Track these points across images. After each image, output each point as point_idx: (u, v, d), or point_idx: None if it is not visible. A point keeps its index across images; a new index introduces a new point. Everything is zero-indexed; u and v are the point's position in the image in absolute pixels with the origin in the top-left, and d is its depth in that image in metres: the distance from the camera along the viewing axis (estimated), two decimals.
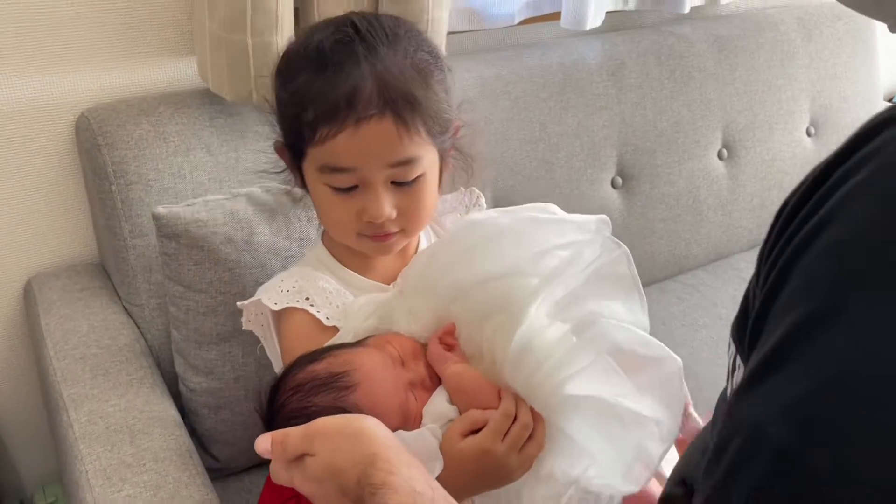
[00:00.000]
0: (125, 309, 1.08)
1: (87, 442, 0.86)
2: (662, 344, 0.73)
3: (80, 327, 1.03)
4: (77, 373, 0.95)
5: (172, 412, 0.92)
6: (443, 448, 0.70)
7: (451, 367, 0.72)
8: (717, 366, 1.30)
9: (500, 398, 0.70)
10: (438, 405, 0.73)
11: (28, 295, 1.14)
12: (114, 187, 1.02)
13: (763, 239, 0.48)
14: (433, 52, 0.78)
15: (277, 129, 0.83)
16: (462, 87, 1.26)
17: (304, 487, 0.63)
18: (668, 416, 0.71)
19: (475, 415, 0.70)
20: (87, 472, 0.83)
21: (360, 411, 0.68)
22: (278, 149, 0.84)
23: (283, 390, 0.74)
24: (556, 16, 1.40)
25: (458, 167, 0.88)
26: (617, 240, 0.77)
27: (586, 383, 0.69)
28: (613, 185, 1.46)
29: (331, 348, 0.76)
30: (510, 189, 1.31)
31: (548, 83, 1.35)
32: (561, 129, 1.37)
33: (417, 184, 0.78)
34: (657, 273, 1.55)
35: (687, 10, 1.52)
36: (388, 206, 0.76)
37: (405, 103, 0.73)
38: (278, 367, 0.90)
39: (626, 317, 0.75)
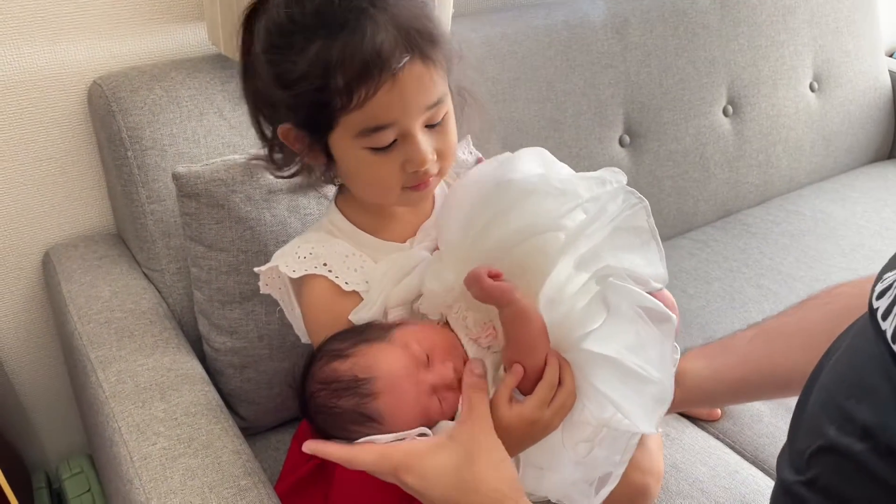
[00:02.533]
0: (145, 275, 1.09)
1: (118, 400, 0.87)
2: (660, 304, 0.73)
3: (102, 293, 1.04)
4: (103, 336, 0.96)
5: (200, 370, 0.94)
6: (493, 421, 0.71)
7: (523, 300, 0.70)
8: (729, 316, 1.32)
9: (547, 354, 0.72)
10: None
11: (47, 266, 1.15)
12: (129, 153, 1.02)
13: None
14: None
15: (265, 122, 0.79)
16: (468, 47, 1.26)
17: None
18: (661, 378, 0.72)
19: (510, 380, 0.72)
20: (119, 428, 0.84)
21: (382, 418, 0.71)
22: (285, 133, 0.78)
23: (313, 380, 0.75)
24: None
25: (455, 102, 0.83)
26: (637, 193, 0.77)
27: (603, 340, 0.71)
28: (621, 143, 1.46)
29: (358, 338, 0.75)
30: (518, 148, 1.31)
31: (553, 42, 1.35)
32: (567, 87, 1.37)
33: (445, 121, 0.77)
34: (667, 230, 1.56)
35: None
36: (430, 150, 0.75)
37: (426, 41, 0.71)
38: (299, 330, 0.91)
39: (646, 269, 0.76)
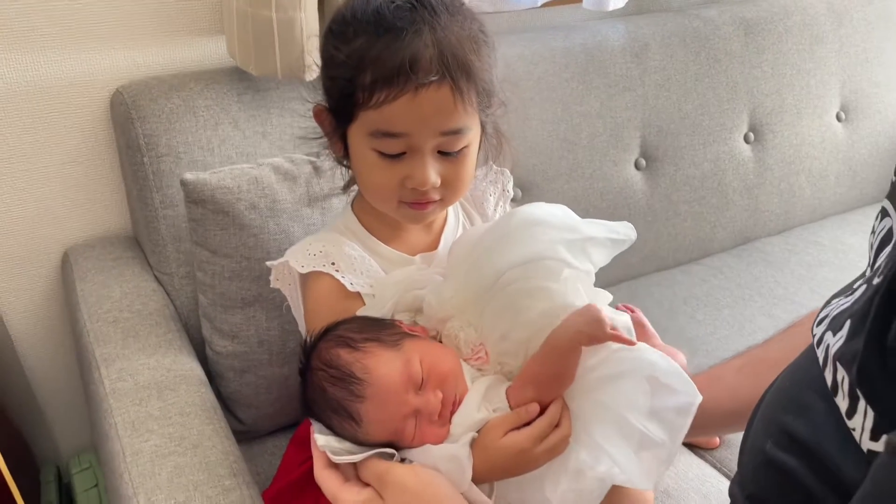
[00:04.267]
0: (156, 277, 1.12)
1: (117, 397, 0.90)
2: (691, 381, 0.72)
3: (113, 293, 1.07)
4: (109, 334, 0.99)
5: (198, 371, 0.96)
6: (483, 440, 0.72)
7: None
8: (736, 344, 1.31)
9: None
10: (469, 415, 0.74)
11: (65, 265, 1.19)
12: (146, 159, 1.06)
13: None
14: (482, 28, 0.79)
15: (316, 94, 0.83)
16: None
17: None
18: (669, 443, 0.72)
19: (523, 415, 0.72)
20: (115, 424, 0.86)
21: (360, 420, 0.72)
22: (317, 113, 0.83)
23: (318, 356, 0.76)
24: None
25: (490, 144, 0.88)
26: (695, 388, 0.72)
27: (616, 394, 0.71)
28: (637, 166, 1.46)
29: (373, 333, 0.76)
30: (531, 168, 1.33)
31: (570, 64, 1.36)
32: (583, 109, 1.38)
33: (461, 154, 0.78)
34: (681, 255, 1.55)
35: None
36: (433, 174, 0.77)
37: (462, 72, 0.73)
38: (303, 327, 0.93)
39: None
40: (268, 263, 0.88)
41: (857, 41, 1.71)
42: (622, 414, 0.70)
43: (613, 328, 0.70)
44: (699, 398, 0.71)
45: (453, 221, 0.93)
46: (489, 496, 0.74)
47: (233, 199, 0.96)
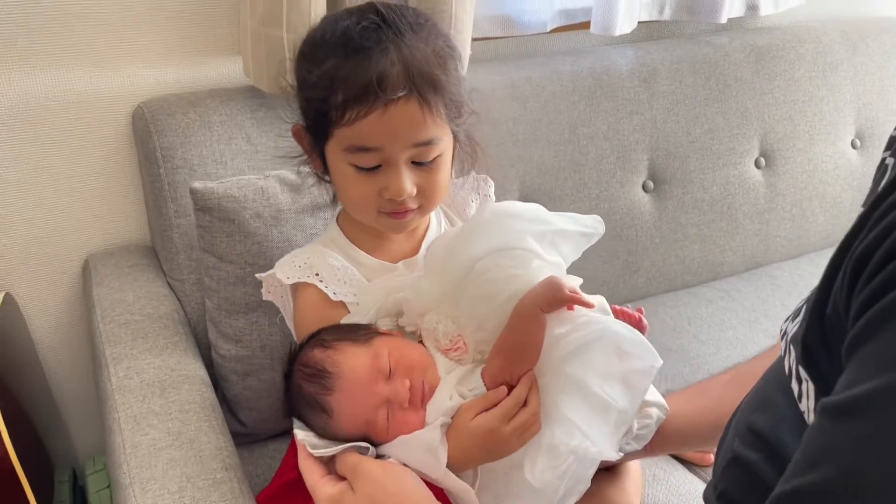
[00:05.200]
0: (168, 283, 1.17)
1: (122, 393, 0.94)
2: (652, 347, 0.75)
3: (126, 297, 1.12)
4: (120, 335, 1.04)
5: (201, 372, 1.00)
6: (454, 424, 0.75)
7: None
8: (735, 363, 1.31)
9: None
10: (441, 404, 0.77)
11: (86, 272, 1.24)
12: (162, 171, 1.12)
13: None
14: (448, 42, 0.84)
15: (296, 113, 0.87)
16: (491, 88, 1.32)
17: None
18: (630, 408, 0.75)
19: (492, 397, 0.75)
20: (119, 418, 0.90)
21: (331, 412, 0.76)
22: (296, 132, 0.89)
23: (298, 359, 0.80)
24: (588, 24, 1.45)
25: (465, 152, 0.92)
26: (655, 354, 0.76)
27: (582, 366, 0.73)
28: (644, 188, 1.48)
29: (347, 334, 0.80)
30: (537, 188, 1.36)
31: (578, 87, 1.39)
32: (590, 131, 1.40)
33: (435, 164, 0.82)
34: (689, 278, 1.56)
35: (723, 20, 1.54)
36: (409, 184, 0.81)
37: (429, 86, 0.77)
38: (296, 336, 0.97)
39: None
40: (258, 276, 0.93)
41: (873, 69, 1.72)
42: (589, 387, 0.72)
43: (573, 290, 0.73)
44: (659, 362, 0.74)
45: (435, 228, 0.96)
46: (472, 485, 0.76)
47: (239, 207, 1.01)
